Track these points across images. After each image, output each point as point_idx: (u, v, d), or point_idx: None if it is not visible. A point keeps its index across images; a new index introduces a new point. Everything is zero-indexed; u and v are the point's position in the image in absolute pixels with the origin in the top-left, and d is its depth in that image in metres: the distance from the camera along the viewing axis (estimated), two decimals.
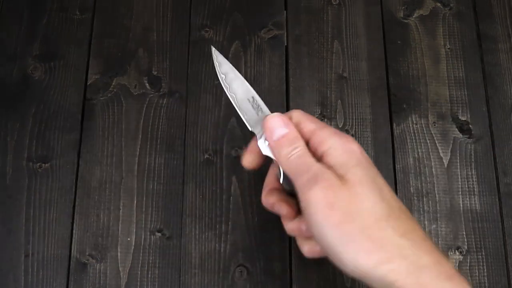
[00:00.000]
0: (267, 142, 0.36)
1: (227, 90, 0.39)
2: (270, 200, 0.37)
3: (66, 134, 0.49)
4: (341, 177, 0.31)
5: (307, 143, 0.35)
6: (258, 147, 0.37)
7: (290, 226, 0.36)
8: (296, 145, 0.34)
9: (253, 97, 0.38)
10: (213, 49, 0.40)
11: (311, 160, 0.33)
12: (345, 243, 0.30)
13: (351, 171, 0.32)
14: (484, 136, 0.51)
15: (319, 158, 0.34)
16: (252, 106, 0.38)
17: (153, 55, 0.52)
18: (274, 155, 0.36)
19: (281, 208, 0.36)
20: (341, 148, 0.33)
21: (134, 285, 0.45)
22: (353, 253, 0.29)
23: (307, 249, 0.36)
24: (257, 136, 0.37)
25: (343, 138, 0.34)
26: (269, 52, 0.53)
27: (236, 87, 0.39)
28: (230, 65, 0.39)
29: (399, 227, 0.30)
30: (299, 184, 0.32)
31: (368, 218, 0.30)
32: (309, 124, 0.35)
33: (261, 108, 0.38)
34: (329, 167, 0.32)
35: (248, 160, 0.38)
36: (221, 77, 0.39)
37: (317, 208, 0.30)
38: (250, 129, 0.38)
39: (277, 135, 0.34)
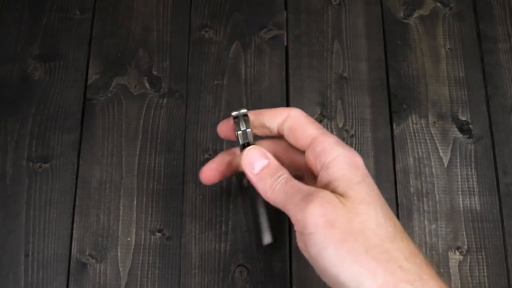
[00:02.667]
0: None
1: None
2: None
3: (66, 134, 0.49)
4: (342, 194, 0.30)
5: (307, 148, 0.33)
6: (225, 163, 0.37)
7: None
8: (279, 173, 0.32)
9: None
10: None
11: (298, 183, 0.31)
12: (348, 263, 0.27)
13: (355, 188, 0.30)
14: (484, 136, 0.51)
15: (318, 168, 0.32)
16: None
17: (153, 55, 0.52)
18: (259, 190, 0.33)
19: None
20: (346, 161, 0.31)
21: (134, 285, 0.45)
22: (357, 274, 0.27)
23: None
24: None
25: (349, 151, 0.31)
26: (269, 52, 0.53)
27: None
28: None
29: (404, 250, 0.29)
30: (291, 208, 0.30)
31: (373, 238, 0.28)
32: (311, 128, 0.33)
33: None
34: (327, 182, 0.31)
35: (208, 175, 0.38)
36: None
37: (316, 227, 0.28)
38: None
39: (257, 169, 0.33)
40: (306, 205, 0.29)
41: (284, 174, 0.32)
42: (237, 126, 0.35)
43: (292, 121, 0.34)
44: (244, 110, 0.36)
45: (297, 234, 0.30)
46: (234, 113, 0.36)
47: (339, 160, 0.31)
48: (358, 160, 0.31)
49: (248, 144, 0.35)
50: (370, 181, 0.31)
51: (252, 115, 0.36)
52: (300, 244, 0.30)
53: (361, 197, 0.29)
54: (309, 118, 0.34)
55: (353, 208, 0.29)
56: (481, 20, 0.55)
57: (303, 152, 0.34)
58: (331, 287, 0.29)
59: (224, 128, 0.38)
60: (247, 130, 0.35)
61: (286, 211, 0.31)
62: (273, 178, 0.32)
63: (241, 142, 0.35)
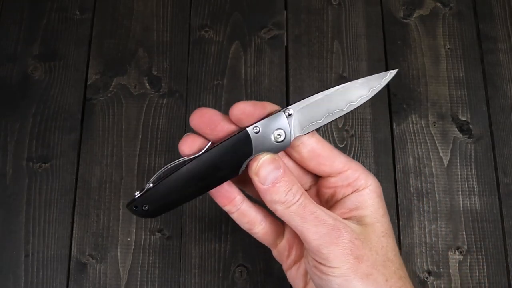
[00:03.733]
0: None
1: None
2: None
3: (66, 134, 0.49)
4: (368, 224, 0.30)
5: (335, 174, 0.31)
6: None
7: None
8: (293, 190, 0.29)
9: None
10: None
11: (319, 210, 0.29)
12: None
13: (381, 221, 0.30)
14: (484, 136, 0.51)
15: (348, 191, 0.31)
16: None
17: (153, 55, 0.52)
18: (266, 202, 0.29)
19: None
20: (377, 192, 0.31)
21: (134, 285, 0.45)
22: None
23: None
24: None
25: (377, 181, 0.32)
26: (269, 52, 0.53)
27: None
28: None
29: (407, 277, 0.31)
30: (312, 238, 0.28)
31: (391, 267, 0.30)
32: (341, 156, 0.31)
33: None
34: (354, 207, 0.31)
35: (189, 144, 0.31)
36: None
37: (343, 261, 0.28)
38: None
39: (269, 181, 0.29)
40: (335, 240, 0.28)
41: (300, 191, 0.29)
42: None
43: (319, 144, 0.31)
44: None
45: (310, 260, 0.29)
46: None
47: (372, 190, 0.31)
48: (380, 188, 0.32)
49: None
50: (386, 210, 0.32)
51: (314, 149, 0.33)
52: (309, 267, 0.30)
53: (384, 230, 0.30)
54: (325, 142, 0.32)
55: (378, 241, 0.30)
56: (481, 20, 0.55)
57: (308, 173, 0.33)
58: None
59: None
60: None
61: (301, 236, 0.29)
62: (288, 195, 0.29)
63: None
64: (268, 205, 0.29)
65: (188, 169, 0.29)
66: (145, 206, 0.30)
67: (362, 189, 0.31)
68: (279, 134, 0.29)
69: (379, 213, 0.31)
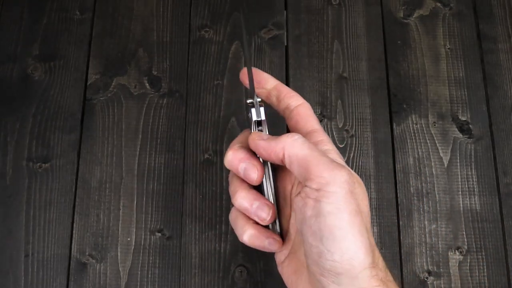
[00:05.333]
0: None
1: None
2: (239, 154, 0.33)
3: (66, 134, 0.49)
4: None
5: (305, 134, 0.35)
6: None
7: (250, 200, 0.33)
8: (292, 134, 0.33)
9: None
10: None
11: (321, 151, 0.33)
12: (355, 232, 0.29)
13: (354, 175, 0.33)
14: (484, 136, 0.51)
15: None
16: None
17: (153, 55, 0.52)
18: (273, 145, 0.32)
19: (252, 167, 0.33)
20: (337, 154, 0.34)
21: (134, 285, 0.45)
22: (358, 245, 0.29)
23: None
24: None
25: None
26: (269, 52, 0.53)
27: None
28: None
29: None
30: (316, 164, 0.30)
31: (368, 222, 0.31)
32: (315, 122, 0.35)
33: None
34: None
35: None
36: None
37: (341, 188, 0.30)
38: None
39: (265, 136, 0.33)
40: (337, 167, 0.30)
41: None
42: (252, 114, 0.35)
43: (303, 107, 0.36)
44: (259, 99, 0.36)
45: (308, 190, 0.30)
46: (249, 101, 0.36)
47: (336, 153, 0.34)
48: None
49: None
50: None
51: (277, 86, 0.37)
52: (303, 200, 0.31)
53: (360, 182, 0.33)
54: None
55: (363, 191, 0.32)
56: (481, 20, 0.55)
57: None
58: (315, 252, 0.30)
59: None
60: (262, 119, 0.35)
61: (305, 164, 0.31)
62: (294, 137, 0.32)
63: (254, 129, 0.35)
64: (275, 144, 0.32)
65: None
66: None
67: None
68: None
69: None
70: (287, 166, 0.32)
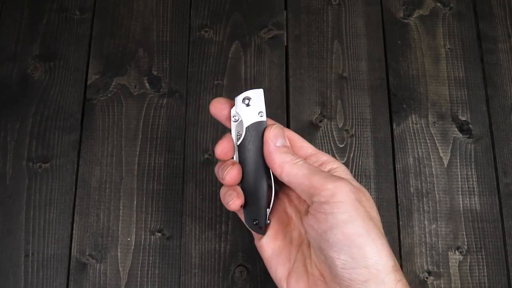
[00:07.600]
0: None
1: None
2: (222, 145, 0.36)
3: (66, 134, 0.49)
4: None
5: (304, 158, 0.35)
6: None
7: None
8: (296, 156, 0.34)
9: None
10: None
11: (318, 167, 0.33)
12: (373, 236, 0.29)
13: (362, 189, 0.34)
14: (484, 136, 0.51)
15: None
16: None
17: (153, 55, 0.52)
18: (275, 161, 0.34)
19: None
20: (345, 170, 0.35)
21: (134, 285, 0.45)
22: (380, 249, 0.29)
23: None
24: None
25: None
26: (269, 52, 0.53)
27: None
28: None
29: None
30: (318, 179, 0.31)
31: (380, 226, 0.32)
32: (308, 145, 0.36)
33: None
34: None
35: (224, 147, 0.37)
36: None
37: (347, 197, 0.30)
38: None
39: (279, 143, 0.34)
40: (339, 179, 0.31)
41: (301, 159, 0.34)
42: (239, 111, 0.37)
43: (289, 133, 0.36)
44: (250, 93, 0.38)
45: (316, 205, 0.31)
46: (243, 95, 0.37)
47: (341, 169, 0.34)
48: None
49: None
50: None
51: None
52: (314, 216, 0.31)
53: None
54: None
55: (369, 200, 0.33)
56: (481, 20, 0.55)
57: None
58: (338, 264, 0.30)
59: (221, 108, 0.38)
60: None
61: (309, 183, 0.32)
62: (294, 157, 0.33)
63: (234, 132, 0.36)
64: (276, 163, 0.33)
65: None
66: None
67: (333, 169, 0.34)
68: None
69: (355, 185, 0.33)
70: (286, 183, 0.33)
